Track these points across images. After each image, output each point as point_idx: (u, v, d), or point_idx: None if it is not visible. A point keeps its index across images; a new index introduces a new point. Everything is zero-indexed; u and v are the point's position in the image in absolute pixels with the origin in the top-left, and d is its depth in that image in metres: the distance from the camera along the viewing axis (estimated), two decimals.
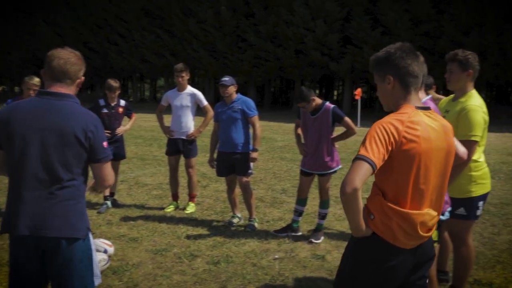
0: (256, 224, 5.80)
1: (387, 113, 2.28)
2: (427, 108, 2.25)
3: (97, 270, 3.39)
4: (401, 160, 2.10)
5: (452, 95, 3.86)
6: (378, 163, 2.04)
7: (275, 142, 14.92)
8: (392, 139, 2.07)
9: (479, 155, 3.63)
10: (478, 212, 3.69)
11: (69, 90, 2.56)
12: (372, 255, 2.20)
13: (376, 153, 2.03)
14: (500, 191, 7.86)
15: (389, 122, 2.11)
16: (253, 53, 32.55)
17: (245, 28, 32.63)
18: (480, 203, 3.67)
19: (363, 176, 2.00)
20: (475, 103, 3.53)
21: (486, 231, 5.69)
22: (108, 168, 2.58)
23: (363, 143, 2.08)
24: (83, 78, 2.63)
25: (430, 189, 2.19)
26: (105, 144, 2.55)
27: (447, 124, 2.28)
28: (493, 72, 24.84)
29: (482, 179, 3.66)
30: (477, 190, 3.58)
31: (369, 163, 2.01)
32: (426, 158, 2.14)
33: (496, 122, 22.38)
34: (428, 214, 2.19)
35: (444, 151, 2.23)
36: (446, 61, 3.69)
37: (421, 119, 2.16)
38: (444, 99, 4.01)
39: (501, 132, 18.53)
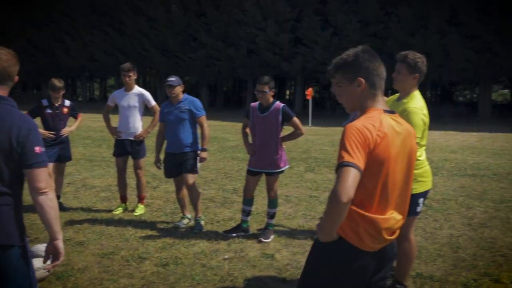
0: (203, 223, 5.76)
1: (342, 113, 2.30)
2: (393, 112, 2.28)
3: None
4: (371, 165, 2.09)
5: (397, 95, 3.98)
6: (363, 167, 2.03)
7: (227, 141, 14.91)
8: (367, 143, 2.07)
9: (420, 154, 3.75)
10: (418, 209, 3.82)
11: (5, 92, 2.47)
12: (339, 259, 2.19)
13: (360, 158, 2.02)
14: (443, 187, 8.17)
15: (364, 126, 2.10)
16: (205, 53, 32.40)
17: (196, 27, 32.44)
18: (421, 200, 3.81)
19: (355, 184, 1.98)
20: (416, 106, 3.65)
21: (428, 226, 5.91)
22: (41, 174, 2.40)
23: (344, 148, 2.04)
24: (17, 78, 2.54)
25: (396, 193, 2.22)
26: (37, 149, 2.40)
27: (410, 129, 2.31)
28: (437, 73, 25.81)
29: (422, 177, 3.79)
30: (417, 188, 3.68)
31: (356, 168, 1.99)
32: (393, 162, 2.16)
33: (440, 121, 23.30)
34: (393, 218, 2.21)
35: (408, 155, 2.27)
36: (396, 60, 3.77)
37: (389, 124, 2.17)
38: (389, 98, 4.11)
39: (445, 130, 19.27)
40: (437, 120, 23.50)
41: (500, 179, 8.97)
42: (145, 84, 48.22)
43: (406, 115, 3.55)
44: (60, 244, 2.48)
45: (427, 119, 3.73)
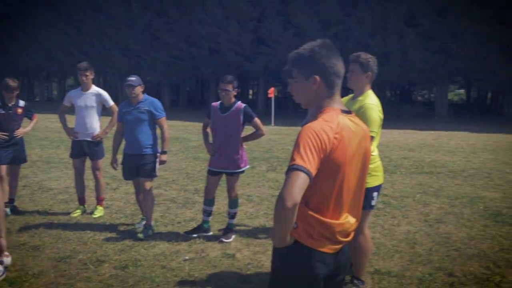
0: (150, 232, 5.48)
1: (304, 113, 2.27)
2: (349, 112, 2.21)
3: None
4: (327, 168, 2.02)
5: (351, 95, 4.08)
6: (314, 172, 1.95)
7: (189, 142, 14.79)
8: (324, 147, 1.99)
9: (373, 149, 3.90)
10: (373, 203, 3.95)
11: None
12: (297, 263, 2.13)
13: (312, 162, 1.94)
14: (401, 185, 8.37)
15: (321, 128, 2.01)
16: (167, 52, 32.08)
17: (158, 26, 32.07)
18: (375, 194, 3.94)
19: (302, 188, 1.90)
20: (372, 102, 3.83)
21: (387, 223, 6.03)
22: None
23: (297, 150, 1.96)
24: None
25: (350, 195, 2.18)
26: None
27: (366, 129, 2.27)
28: (396, 73, 26.42)
29: (375, 171, 3.94)
30: (371, 182, 3.80)
31: (306, 173, 1.91)
32: (349, 165, 2.10)
33: (400, 120, 23.86)
34: (348, 222, 2.18)
35: (362, 157, 2.21)
36: (349, 62, 3.88)
37: (346, 125, 2.10)
38: (344, 98, 4.21)
39: (404, 129, 19.74)
40: (397, 119, 24.08)
41: (455, 176, 9.25)
42: (106, 84, 47.34)
43: (362, 112, 3.70)
44: (3, 242, 2.40)
45: (382, 115, 3.89)
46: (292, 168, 1.93)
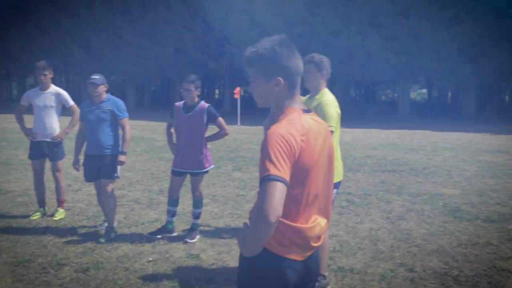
0: (113, 235, 5.39)
1: (268, 112, 2.20)
2: (309, 111, 2.14)
3: None
4: (296, 172, 1.94)
5: (308, 95, 4.20)
6: (289, 180, 1.85)
7: (154, 142, 14.62)
8: (293, 151, 1.90)
9: (335, 145, 3.98)
10: (332, 197, 4.02)
11: None
12: (267, 271, 2.04)
13: (286, 169, 1.85)
14: (364, 183, 8.50)
15: (288, 132, 1.91)
16: (132, 51, 31.63)
17: (121, 25, 31.57)
18: (335, 191, 3.99)
19: (282, 199, 1.80)
20: (329, 98, 3.99)
21: (350, 221, 6.12)
22: None
23: (268, 158, 1.84)
24: None
25: (319, 196, 2.11)
26: None
27: (326, 126, 2.21)
28: (360, 73, 26.85)
29: (335, 168, 3.98)
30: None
31: (283, 182, 1.81)
32: (317, 165, 2.04)
33: (364, 119, 24.26)
34: (319, 225, 2.11)
35: (328, 155, 2.16)
36: (304, 63, 3.95)
37: (310, 126, 2.03)
38: (302, 98, 4.28)
39: (368, 128, 20.08)
40: (361, 118, 24.47)
41: (417, 173, 9.47)
42: (69, 84, 46.30)
43: (320, 108, 3.84)
44: None
45: (339, 111, 4.03)
46: (267, 179, 1.81)
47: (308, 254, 2.12)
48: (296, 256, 2.05)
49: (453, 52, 24.22)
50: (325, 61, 4.08)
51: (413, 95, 44.03)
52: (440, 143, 14.96)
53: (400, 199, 7.28)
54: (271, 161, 1.84)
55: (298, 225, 2.02)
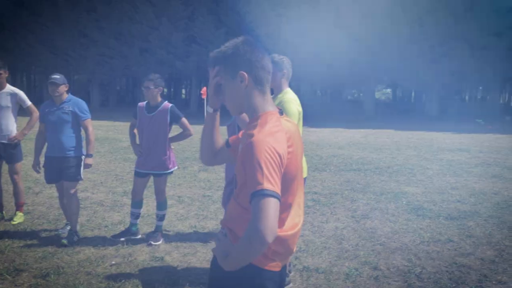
0: (76, 238, 5.24)
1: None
2: (282, 113, 2.06)
3: None
4: (284, 181, 1.86)
5: (272, 95, 4.22)
6: (280, 193, 1.77)
7: (119, 142, 14.38)
8: (283, 162, 1.82)
9: None
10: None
11: None
12: (246, 283, 1.95)
13: (278, 183, 1.75)
14: (330, 182, 8.57)
15: (276, 141, 1.82)
16: (96, 50, 31.05)
17: (86, 23, 30.95)
18: None
19: (277, 216, 1.71)
20: (290, 97, 4.05)
21: (316, 220, 6.15)
22: None
23: (261, 171, 1.73)
24: None
25: (300, 198, 2.06)
26: None
27: (297, 126, 2.20)
28: (326, 73, 27.11)
29: None
30: None
31: (277, 198, 1.72)
32: (300, 171, 1.98)
33: (330, 119, 24.51)
34: (299, 228, 2.04)
35: (302, 155, 2.12)
36: None
37: (291, 131, 1.97)
38: None
39: (334, 128, 20.30)
40: (328, 117, 24.72)
41: (381, 172, 9.62)
42: (31, 83, 45.09)
43: (282, 105, 3.90)
44: None
45: (301, 109, 4.08)
46: (262, 194, 1.70)
47: (287, 261, 2.06)
48: (276, 267, 1.98)
49: (415, 53, 24.75)
50: (286, 61, 4.14)
51: (377, 95, 44.79)
52: (403, 142, 15.26)
53: (365, 198, 7.37)
54: (263, 173, 1.72)
55: (283, 234, 1.94)
